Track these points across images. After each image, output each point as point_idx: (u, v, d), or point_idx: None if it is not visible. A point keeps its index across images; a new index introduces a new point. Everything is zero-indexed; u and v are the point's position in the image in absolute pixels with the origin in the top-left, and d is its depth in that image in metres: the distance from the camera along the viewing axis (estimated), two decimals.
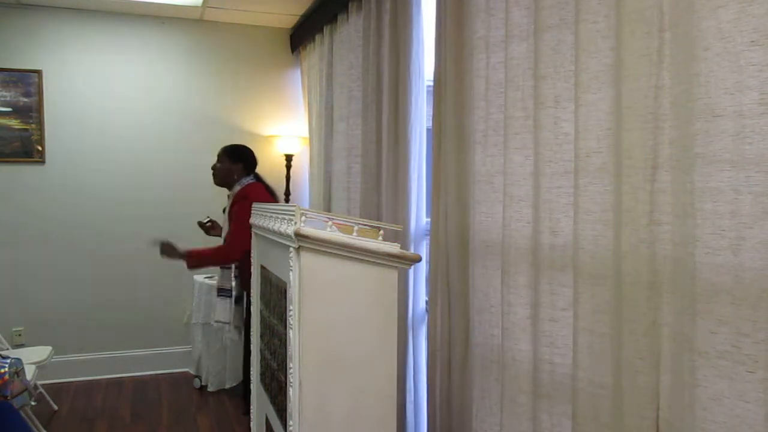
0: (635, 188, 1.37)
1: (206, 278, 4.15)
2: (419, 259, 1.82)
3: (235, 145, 3.29)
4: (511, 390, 1.88)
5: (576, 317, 1.56)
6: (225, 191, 3.34)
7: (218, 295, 3.21)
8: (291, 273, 1.65)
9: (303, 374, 1.64)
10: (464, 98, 2.15)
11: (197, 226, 3.43)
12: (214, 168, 3.23)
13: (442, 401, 2.33)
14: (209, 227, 3.40)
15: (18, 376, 2.71)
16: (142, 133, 4.39)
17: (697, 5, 1.17)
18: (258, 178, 3.28)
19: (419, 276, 2.73)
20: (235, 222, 3.00)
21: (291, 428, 1.68)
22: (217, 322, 3.21)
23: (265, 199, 3.08)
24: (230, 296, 3.16)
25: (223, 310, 3.17)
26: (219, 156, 3.22)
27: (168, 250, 2.95)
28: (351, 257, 1.66)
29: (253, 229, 2.42)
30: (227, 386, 4.09)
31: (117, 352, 4.39)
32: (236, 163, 3.18)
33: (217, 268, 3.33)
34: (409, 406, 2.78)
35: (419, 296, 2.74)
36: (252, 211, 2.44)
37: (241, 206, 2.97)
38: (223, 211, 3.32)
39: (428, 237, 2.53)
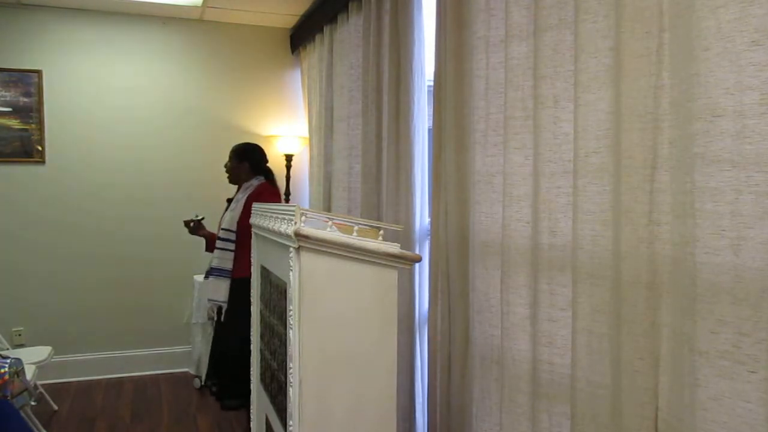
0: (634, 188, 1.37)
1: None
2: (419, 259, 1.82)
3: (244, 144, 3.34)
4: (510, 390, 1.88)
5: (575, 317, 1.56)
6: (220, 191, 3.47)
7: (213, 275, 3.19)
8: (291, 273, 1.65)
9: (303, 374, 1.64)
10: (464, 98, 2.15)
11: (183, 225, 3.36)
12: (226, 166, 3.27)
13: (442, 401, 2.33)
14: (196, 227, 3.36)
15: (18, 376, 2.71)
16: (143, 133, 4.39)
17: (697, 5, 1.17)
18: (267, 176, 3.30)
19: (424, 276, 2.73)
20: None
21: (291, 428, 1.68)
22: (211, 300, 3.19)
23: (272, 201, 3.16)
24: (229, 277, 3.16)
25: (219, 289, 3.16)
26: (231, 155, 3.28)
27: (196, 229, 3.33)
28: (351, 257, 1.66)
29: (253, 229, 2.42)
30: None
31: (117, 352, 4.39)
32: (242, 162, 3.23)
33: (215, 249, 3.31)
34: (417, 408, 2.77)
35: (424, 296, 2.74)
36: (252, 211, 2.44)
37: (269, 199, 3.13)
38: (228, 201, 3.33)
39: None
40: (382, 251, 1.67)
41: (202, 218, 3.34)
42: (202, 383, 4.14)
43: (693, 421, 1.18)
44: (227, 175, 3.28)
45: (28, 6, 4.08)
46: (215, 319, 3.25)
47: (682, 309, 1.24)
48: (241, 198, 3.16)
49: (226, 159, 3.28)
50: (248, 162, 3.23)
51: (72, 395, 3.98)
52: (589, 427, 1.52)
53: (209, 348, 4.06)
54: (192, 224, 3.33)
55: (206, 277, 3.31)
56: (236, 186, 3.31)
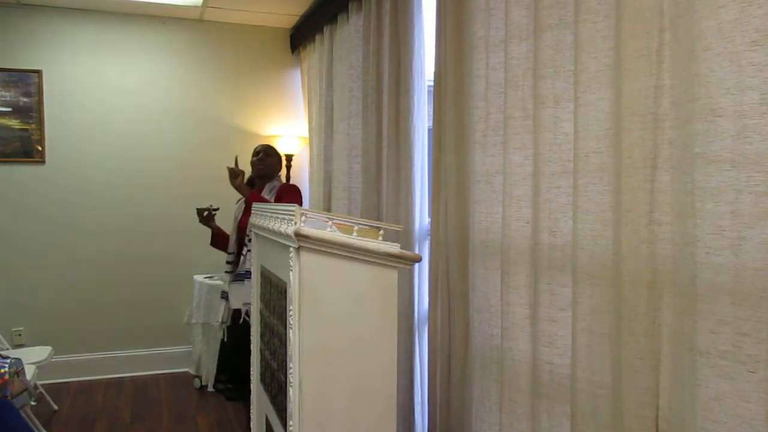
0: (635, 188, 1.37)
1: (206, 278, 4.15)
2: (419, 259, 1.82)
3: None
4: (510, 390, 1.88)
5: (575, 317, 1.56)
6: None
7: (248, 278, 3.17)
8: (291, 273, 1.65)
9: (303, 374, 1.64)
10: (464, 98, 2.15)
11: (196, 212, 3.31)
12: (263, 161, 3.30)
13: (442, 401, 2.33)
14: (208, 217, 3.35)
15: (18, 376, 2.71)
16: (142, 133, 4.39)
17: (698, 5, 1.17)
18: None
19: (424, 276, 2.73)
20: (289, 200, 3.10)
21: (291, 428, 1.68)
22: (247, 304, 3.18)
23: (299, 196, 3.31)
24: None
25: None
26: (268, 151, 3.36)
27: (239, 176, 3.12)
28: (351, 257, 1.66)
29: (254, 229, 2.42)
30: None
31: (117, 352, 4.39)
32: (280, 163, 3.46)
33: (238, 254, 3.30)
34: (417, 408, 2.77)
35: (423, 296, 2.74)
36: (252, 211, 2.45)
37: (296, 196, 3.22)
38: (245, 203, 3.34)
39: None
40: (382, 251, 1.67)
41: (217, 209, 3.33)
42: (202, 383, 4.14)
43: (694, 421, 1.18)
44: (260, 167, 3.29)
45: (28, 6, 4.07)
46: (231, 323, 3.27)
47: (682, 309, 1.24)
48: (270, 198, 3.20)
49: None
50: (280, 164, 3.43)
51: (72, 395, 3.98)
52: (589, 427, 1.52)
53: (209, 348, 4.07)
54: (205, 213, 3.32)
55: (235, 281, 3.28)
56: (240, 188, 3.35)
